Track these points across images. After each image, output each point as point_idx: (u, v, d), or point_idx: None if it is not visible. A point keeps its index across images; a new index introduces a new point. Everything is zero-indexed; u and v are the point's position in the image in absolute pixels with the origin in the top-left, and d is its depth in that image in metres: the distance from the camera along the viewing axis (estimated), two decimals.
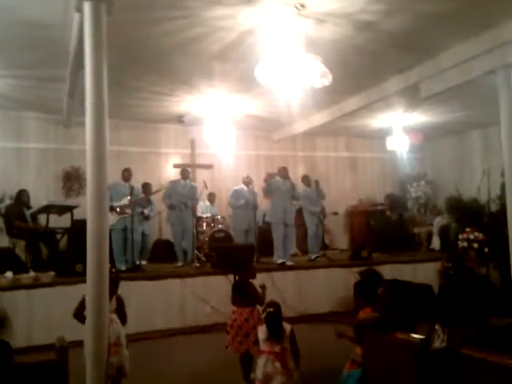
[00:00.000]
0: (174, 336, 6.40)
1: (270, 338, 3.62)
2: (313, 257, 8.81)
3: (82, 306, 3.71)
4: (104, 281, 3.37)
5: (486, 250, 8.27)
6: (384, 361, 2.99)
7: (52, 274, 6.45)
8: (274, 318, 3.69)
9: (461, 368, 2.48)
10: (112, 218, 7.31)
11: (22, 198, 7.88)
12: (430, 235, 10.68)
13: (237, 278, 4.77)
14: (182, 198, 8.21)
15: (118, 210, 7.56)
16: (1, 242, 7.92)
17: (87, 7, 3.66)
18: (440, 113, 9.43)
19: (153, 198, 8.42)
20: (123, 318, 3.97)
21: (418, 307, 5.36)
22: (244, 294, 4.49)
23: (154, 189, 8.37)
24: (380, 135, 10.75)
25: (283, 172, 8.51)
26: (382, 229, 10.39)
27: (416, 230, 11.16)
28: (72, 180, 9.58)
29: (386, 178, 12.44)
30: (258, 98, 8.02)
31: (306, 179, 9.20)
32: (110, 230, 7.08)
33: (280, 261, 8.02)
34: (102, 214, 3.44)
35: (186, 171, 8.62)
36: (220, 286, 6.67)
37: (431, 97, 7.08)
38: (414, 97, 7.46)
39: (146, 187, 8.37)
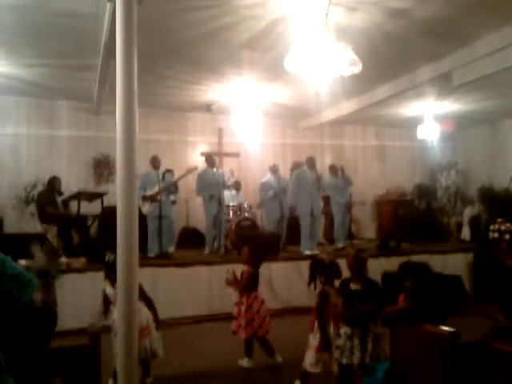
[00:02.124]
0: (202, 322, 6.50)
1: None
2: (340, 246, 8.78)
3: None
4: (134, 266, 3.43)
5: None
6: (412, 353, 2.96)
7: (83, 259, 6.60)
8: None
9: (492, 362, 2.44)
10: (147, 207, 7.44)
11: (53, 184, 8.03)
12: (459, 225, 10.50)
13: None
14: (213, 186, 8.24)
15: (150, 198, 7.66)
16: (33, 228, 8.14)
17: None
18: (472, 101, 9.21)
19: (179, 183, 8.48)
20: (149, 302, 4.13)
21: (448, 298, 5.31)
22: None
23: (178, 175, 8.39)
24: (410, 124, 10.57)
25: (310, 162, 8.47)
26: (411, 218, 10.26)
27: (445, 220, 11.00)
28: (102, 167, 9.75)
29: (415, 167, 12.26)
30: (286, 86, 7.97)
31: (332, 169, 9.13)
32: (146, 218, 7.34)
33: (307, 252, 8.00)
34: (131, 200, 3.47)
35: (211, 159, 8.59)
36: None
37: (464, 85, 6.92)
38: (445, 85, 7.30)
39: (169, 172, 8.46)
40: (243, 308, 4.56)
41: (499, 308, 2.75)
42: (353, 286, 3.65)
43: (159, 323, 4.23)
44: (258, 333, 4.56)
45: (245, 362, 4.66)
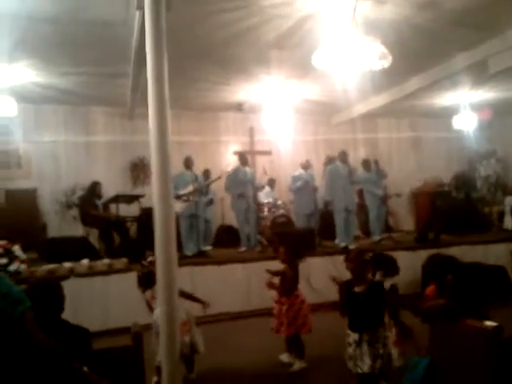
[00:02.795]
0: (240, 319, 6.58)
1: None
2: (377, 239, 8.71)
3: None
4: (173, 266, 3.51)
5: None
6: (453, 349, 2.88)
7: (125, 260, 6.77)
8: None
9: None
10: (179, 206, 7.58)
11: (95, 189, 8.28)
12: (501, 214, 10.22)
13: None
14: (244, 184, 8.33)
15: (183, 197, 7.78)
16: (76, 231, 8.41)
17: (147, 4, 3.78)
18: (508, 89, 8.99)
19: (214, 185, 8.61)
20: (189, 296, 4.40)
21: (491, 290, 5.18)
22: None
23: (214, 176, 8.54)
24: (446, 114, 10.36)
25: (342, 156, 8.43)
26: (449, 209, 10.05)
27: (486, 210, 10.73)
28: (138, 170, 9.97)
29: (452, 157, 12.01)
30: (316, 82, 7.96)
31: (365, 163, 9.06)
32: (178, 217, 7.48)
33: (343, 244, 8.00)
34: (167, 202, 3.55)
35: (244, 157, 8.67)
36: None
37: (500, 72, 6.75)
38: (480, 74, 7.14)
39: (207, 173, 8.63)
40: (284, 308, 4.55)
41: None
42: (357, 289, 3.45)
43: (205, 304, 4.54)
44: (302, 331, 4.56)
45: (285, 357, 4.70)
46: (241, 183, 8.32)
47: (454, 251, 7.55)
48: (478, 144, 11.21)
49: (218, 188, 9.12)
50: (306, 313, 4.61)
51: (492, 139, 11.88)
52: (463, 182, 10.80)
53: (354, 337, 3.40)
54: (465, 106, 9.62)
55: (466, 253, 7.48)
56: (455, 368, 2.91)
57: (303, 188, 8.86)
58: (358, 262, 3.52)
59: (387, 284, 3.88)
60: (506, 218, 9.90)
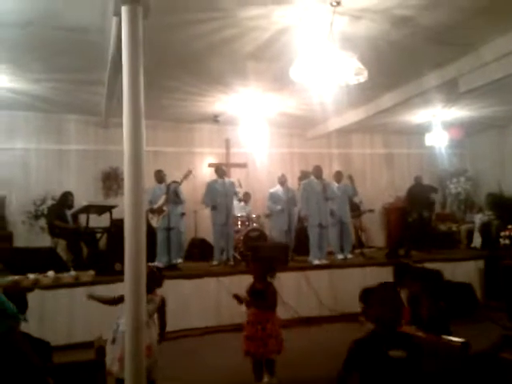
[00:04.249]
0: (210, 334, 6.47)
1: None
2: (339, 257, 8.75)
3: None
4: (141, 280, 3.42)
5: None
6: (423, 365, 2.90)
7: (92, 272, 6.59)
8: None
9: (501, 372, 2.39)
10: (155, 220, 7.53)
11: (66, 200, 8.08)
12: (470, 233, 10.38)
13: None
14: (221, 196, 8.23)
15: (158, 210, 7.70)
16: (43, 242, 8.18)
17: (124, 11, 3.73)
18: (480, 107, 9.17)
19: (186, 197, 8.47)
20: (163, 318, 4.07)
21: (457, 306, 5.23)
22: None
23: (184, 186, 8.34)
24: (418, 131, 10.55)
25: (317, 171, 8.44)
26: (419, 226, 10.15)
27: (455, 228, 10.86)
28: (111, 180, 9.80)
29: (424, 174, 12.12)
30: (292, 96, 7.99)
31: (338, 175, 9.08)
32: (155, 230, 7.36)
33: (316, 262, 7.97)
34: (138, 213, 3.48)
35: (221, 169, 8.60)
36: None
37: (471, 91, 6.89)
38: (452, 92, 7.28)
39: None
40: (268, 325, 4.27)
41: (507, 315, 2.70)
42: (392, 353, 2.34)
43: (163, 338, 4.07)
44: (282, 348, 4.34)
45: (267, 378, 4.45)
46: (219, 195, 8.24)
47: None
48: (448, 162, 11.42)
49: (190, 200, 8.99)
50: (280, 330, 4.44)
51: (463, 157, 12.14)
52: (416, 200, 10.63)
53: None
54: (437, 123, 9.79)
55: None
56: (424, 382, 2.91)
57: (280, 204, 8.83)
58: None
59: None
60: (475, 236, 10.05)
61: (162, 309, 4.06)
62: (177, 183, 8.27)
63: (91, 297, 4.01)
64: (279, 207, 8.77)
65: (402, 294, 3.49)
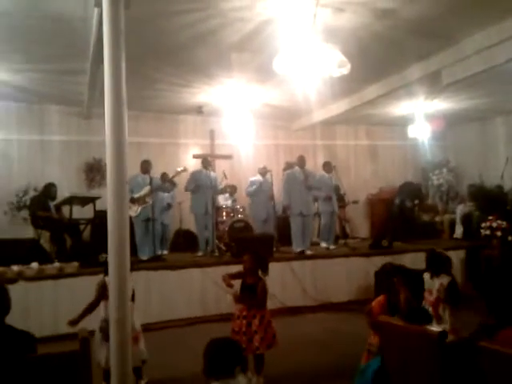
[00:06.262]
0: (196, 324, 6.50)
1: None
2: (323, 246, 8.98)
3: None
4: (125, 270, 3.43)
5: (510, 238, 8.16)
6: (402, 354, 2.95)
7: (76, 264, 6.58)
8: None
9: (478, 360, 2.45)
10: (134, 209, 7.48)
11: (49, 191, 7.99)
12: (453, 223, 10.54)
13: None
14: (205, 187, 8.24)
15: (139, 201, 7.66)
16: (26, 234, 8.10)
17: (105, 1, 3.69)
18: (462, 99, 9.27)
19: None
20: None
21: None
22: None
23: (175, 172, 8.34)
24: (401, 123, 10.64)
25: (301, 161, 8.51)
26: (402, 217, 10.28)
27: (438, 219, 11.02)
28: (94, 171, 9.72)
29: (407, 165, 12.33)
30: (277, 87, 7.99)
31: (326, 165, 9.19)
32: (133, 221, 7.33)
33: (299, 249, 8.05)
34: (121, 205, 3.48)
35: (207, 160, 8.62)
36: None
37: (453, 84, 6.97)
38: (435, 84, 7.36)
39: (165, 176, 8.44)
40: (255, 321, 4.21)
41: (486, 305, 2.77)
42: None
43: None
44: (273, 344, 4.29)
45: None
46: (202, 185, 8.25)
47: (407, 258, 7.75)
48: (431, 153, 11.54)
49: (176, 191, 9.00)
50: (272, 325, 4.36)
51: (445, 149, 12.28)
52: (401, 191, 10.89)
53: None
54: (420, 115, 9.89)
55: (418, 260, 7.66)
56: (404, 373, 2.97)
57: (258, 193, 8.95)
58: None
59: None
60: (457, 227, 10.21)
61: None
62: (166, 175, 8.29)
63: (74, 322, 4.03)
64: (254, 186, 8.95)
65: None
